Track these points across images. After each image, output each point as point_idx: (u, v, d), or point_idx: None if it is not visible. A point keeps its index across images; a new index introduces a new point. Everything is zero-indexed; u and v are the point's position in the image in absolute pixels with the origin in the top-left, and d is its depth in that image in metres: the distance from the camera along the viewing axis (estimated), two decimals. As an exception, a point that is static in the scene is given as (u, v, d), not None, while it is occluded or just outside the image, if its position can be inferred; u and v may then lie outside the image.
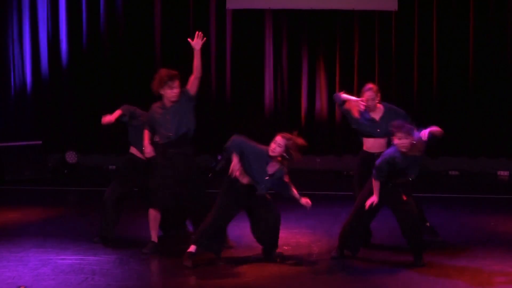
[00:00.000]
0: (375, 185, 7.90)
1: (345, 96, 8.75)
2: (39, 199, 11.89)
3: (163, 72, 8.33)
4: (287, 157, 8.06)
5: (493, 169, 14.47)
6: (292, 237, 8.83)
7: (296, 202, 8.06)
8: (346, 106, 8.70)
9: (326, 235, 9.30)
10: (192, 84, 8.31)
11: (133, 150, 8.82)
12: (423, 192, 12.15)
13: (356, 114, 8.63)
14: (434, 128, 7.93)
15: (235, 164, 7.99)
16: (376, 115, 8.64)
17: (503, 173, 14.27)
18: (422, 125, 8.04)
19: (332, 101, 14.79)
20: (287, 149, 8.02)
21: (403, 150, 7.75)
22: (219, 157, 14.04)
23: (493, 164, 14.56)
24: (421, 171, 8.13)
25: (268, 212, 8.15)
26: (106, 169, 14.60)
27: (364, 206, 7.95)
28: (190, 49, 8.26)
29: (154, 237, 8.49)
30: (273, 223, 8.16)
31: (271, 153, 8.02)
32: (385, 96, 14.63)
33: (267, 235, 8.20)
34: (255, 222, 8.24)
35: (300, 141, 8.03)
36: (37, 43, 14.96)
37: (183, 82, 8.32)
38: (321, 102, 14.73)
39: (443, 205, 11.21)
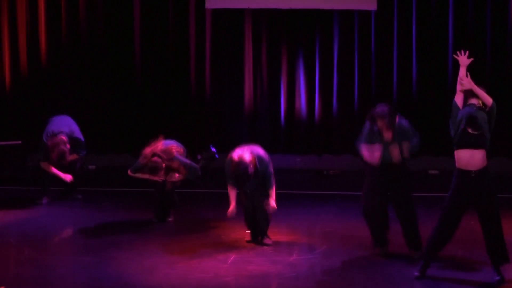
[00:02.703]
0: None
1: None
2: (19, 198, 11.82)
3: None
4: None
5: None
6: (272, 236, 8.83)
7: None
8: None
9: (306, 234, 9.33)
10: None
11: None
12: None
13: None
14: None
15: None
16: None
17: None
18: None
19: (311, 101, 14.90)
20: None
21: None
22: (199, 157, 14.02)
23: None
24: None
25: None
26: (86, 168, 14.54)
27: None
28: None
29: None
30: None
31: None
32: (364, 96, 14.82)
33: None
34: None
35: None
36: (16, 41, 14.87)
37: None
38: (301, 102, 14.75)
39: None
